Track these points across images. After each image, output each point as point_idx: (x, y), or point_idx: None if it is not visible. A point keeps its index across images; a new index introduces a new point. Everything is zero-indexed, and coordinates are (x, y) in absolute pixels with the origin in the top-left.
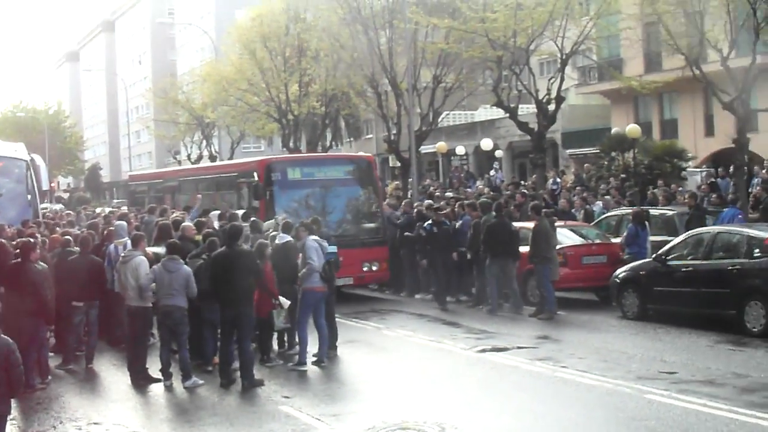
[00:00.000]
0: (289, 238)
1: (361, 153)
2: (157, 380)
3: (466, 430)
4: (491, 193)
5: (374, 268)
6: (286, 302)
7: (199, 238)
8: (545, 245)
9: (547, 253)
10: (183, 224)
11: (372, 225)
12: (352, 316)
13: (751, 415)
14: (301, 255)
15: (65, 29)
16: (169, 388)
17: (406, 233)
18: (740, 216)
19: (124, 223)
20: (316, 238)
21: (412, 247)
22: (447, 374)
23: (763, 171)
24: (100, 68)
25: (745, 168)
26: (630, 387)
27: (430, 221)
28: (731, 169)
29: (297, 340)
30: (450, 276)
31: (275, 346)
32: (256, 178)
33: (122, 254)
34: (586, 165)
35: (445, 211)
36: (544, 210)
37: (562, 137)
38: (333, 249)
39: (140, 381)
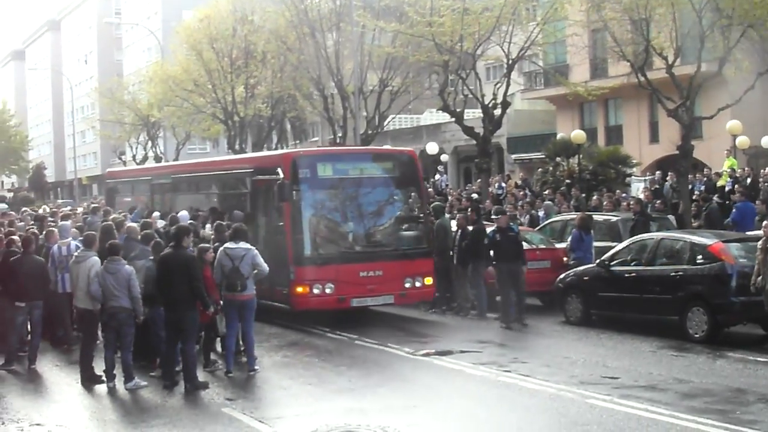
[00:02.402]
0: (242, 245)
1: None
2: (101, 381)
3: None
4: (437, 197)
5: (418, 285)
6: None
7: None
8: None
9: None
10: (128, 225)
11: (416, 233)
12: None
13: (692, 420)
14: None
15: (10, 28)
16: (111, 390)
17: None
18: (756, 211)
19: (68, 223)
20: (229, 245)
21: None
22: (391, 378)
23: (705, 178)
24: (46, 67)
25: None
26: (572, 392)
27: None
28: (668, 175)
29: (242, 345)
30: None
31: (219, 349)
32: (281, 175)
33: (75, 254)
34: (540, 170)
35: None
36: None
37: (508, 142)
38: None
39: (84, 381)
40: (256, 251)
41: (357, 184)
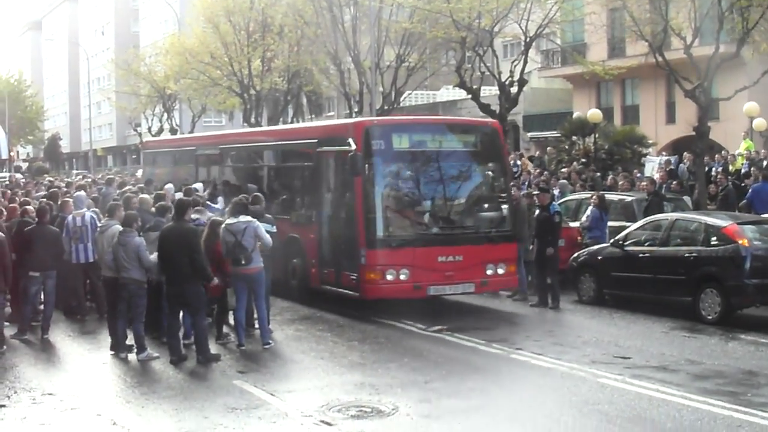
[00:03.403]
0: (242, 218)
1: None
2: (130, 350)
3: (420, 409)
4: None
5: (501, 272)
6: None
7: None
8: (522, 225)
9: (524, 233)
10: (141, 196)
11: (498, 213)
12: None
13: (702, 401)
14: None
15: None
16: (123, 360)
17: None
18: None
19: (83, 193)
20: (230, 220)
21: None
22: (403, 353)
23: (723, 160)
24: (63, 38)
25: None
26: (584, 371)
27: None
28: (684, 155)
29: (255, 318)
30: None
31: (231, 322)
32: (352, 146)
33: (99, 224)
34: (549, 148)
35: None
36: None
37: (524, 120)
38: (271, 229)
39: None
40: (258, 223)
41: (435, 158)
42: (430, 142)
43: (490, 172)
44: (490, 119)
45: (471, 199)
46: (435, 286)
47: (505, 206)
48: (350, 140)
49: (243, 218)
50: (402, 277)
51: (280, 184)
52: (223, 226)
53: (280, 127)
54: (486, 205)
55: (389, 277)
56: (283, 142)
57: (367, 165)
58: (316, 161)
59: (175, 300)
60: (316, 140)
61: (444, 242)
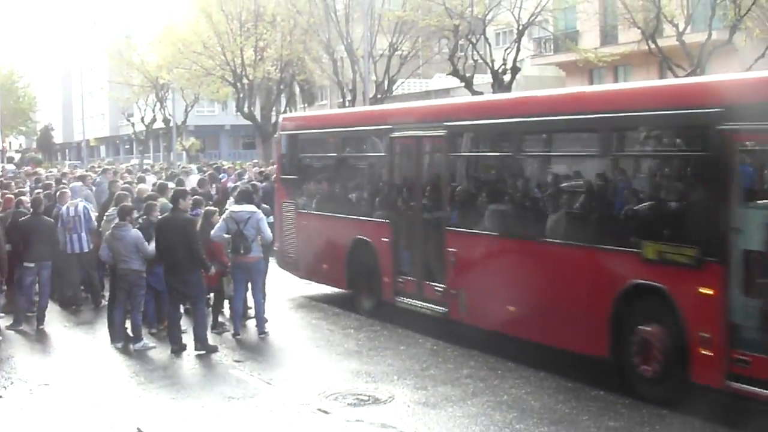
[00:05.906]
0: (247, 207)
1: None
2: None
3: (416, 396)
4: None
5: None
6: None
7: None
8: None
9: None
10: (139, 186)
11: None
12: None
13: None
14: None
15: None
16: (120, 350)
17: None
18: None
19: (80, 184)
20: (234, 207)
21: None
22: (398, 341)
23: None
24: (55, 28)
25: None
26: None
27: None
28: None
29: (250, 308)
30: None
31: (227, 313)
32: None
33: (106, 214)
34: None
35: None
36: None
37: None
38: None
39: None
40: (262, 215)
41: None
42: None
43: None
44: None
45: None
46: None
47: None
48: None
49: (248, 207)
50: None
51: (600, 192)
52: (227, 212)
53: (593, 89)
54: None
55: None
56: (596, 116)
57: None
58: (717, 147)
59: (176, 290)
60: (716, 109)
61: None
